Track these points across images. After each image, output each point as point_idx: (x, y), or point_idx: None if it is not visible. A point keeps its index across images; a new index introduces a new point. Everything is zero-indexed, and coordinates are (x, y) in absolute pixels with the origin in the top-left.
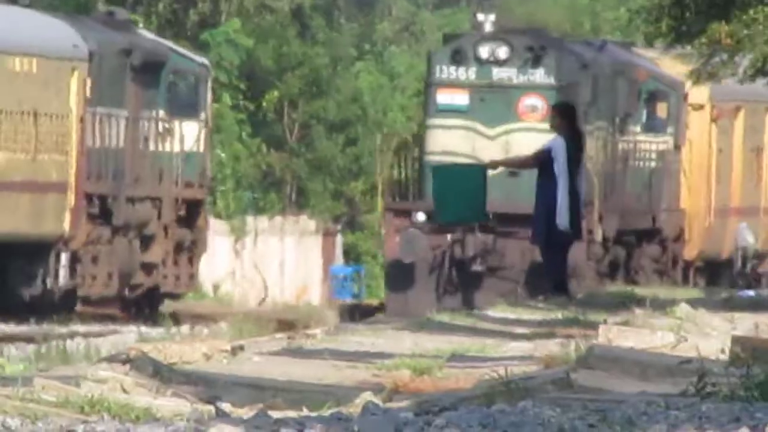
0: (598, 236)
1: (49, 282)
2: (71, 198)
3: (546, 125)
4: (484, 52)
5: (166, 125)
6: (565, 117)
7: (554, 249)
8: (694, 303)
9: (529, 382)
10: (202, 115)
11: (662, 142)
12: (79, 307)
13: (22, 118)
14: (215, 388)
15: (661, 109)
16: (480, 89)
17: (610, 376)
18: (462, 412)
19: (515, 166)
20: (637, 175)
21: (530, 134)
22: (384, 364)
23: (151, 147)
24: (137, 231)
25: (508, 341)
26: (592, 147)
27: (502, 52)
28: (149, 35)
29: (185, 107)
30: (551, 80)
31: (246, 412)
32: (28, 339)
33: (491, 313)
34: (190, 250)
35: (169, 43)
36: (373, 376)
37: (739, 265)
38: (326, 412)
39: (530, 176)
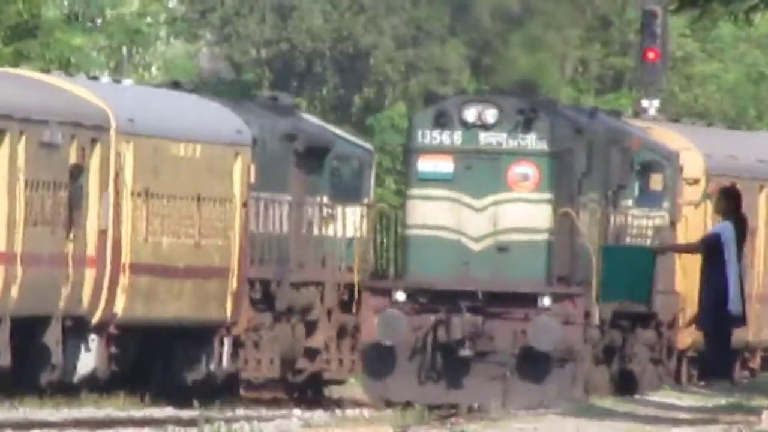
0: (596, 319)
1: (212, 366)
2: (234, 283)
3: (538, 195)
4: (470, 115)
5: (330, 210)
6: (731, 199)
7: (721, 335)
8: None
9: None
10: (365, 200)
11: (657, 217)
12: (242, 392)
13: (186, 204)
14: None
15: (656, 182)
16: (466, 156)
17: None
18: None
19: (682, 251)
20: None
21: (521, 206)
22: None
23: (315, 232)
24: (300, 316)
25: (670, 427)
26: (586, 222)
27: (490, 115)
28: (313, 120)
29: (348, 192)
30: (544, 146)
31: None
32: (191, 422)
33: (653, 398)
34: (352, 335)
35: (334, 128)
36: None
37: None
38: None
39: (520, 253)
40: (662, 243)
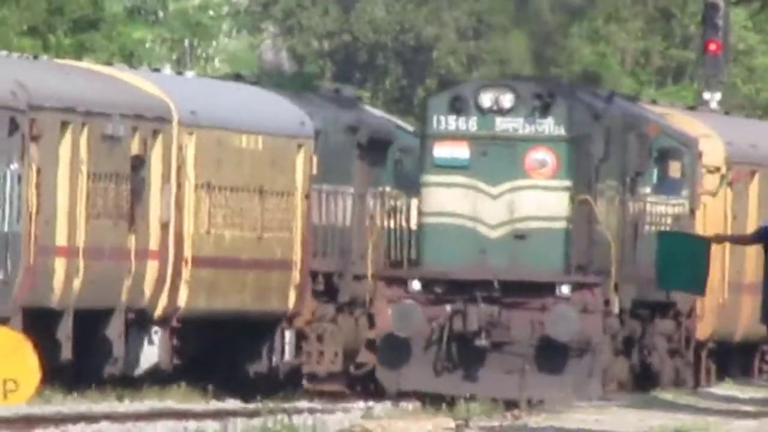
0: (615, 308)
1: (274, 359)
2: (296, 276)
3: (556, 182)
4: (486, 100)
5: (393, 202)
6: None
7: None
8: None
9: None
10: None
11: (676, 204)
12: (304, 384)
13: (248, 196)
14: None
15: (674, 169)
16: (482, 142)
17: None
18: None
19: (737, 242)
20: (651, 242)
21: (539, 193)
22: None
23: (378, 224)
24: (362, 308)
25: (733, 419)
26: (603, 209)
27: (507, 99)
28: (376, 112)
29: (412, 184)
30: (562, 131)
31: None
32: (253, 414)
33: (716, 390)
34: None
35: (396, 120)
36: None
37: None
38: None
39: (537, 241)
40: (720, 234)
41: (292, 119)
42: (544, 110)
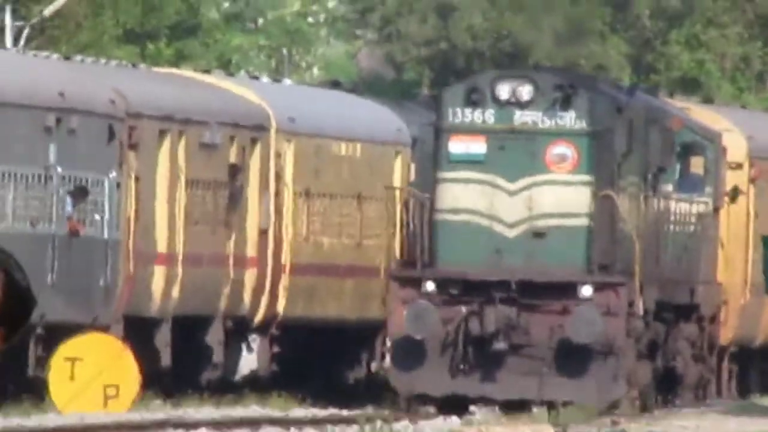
0: (640, 310)
1: (373, 365)
2: None
3: (577, 177)
4: (504, 91)
5: None
6: None
7: None
8: None
9: None
10: None
11: (700, 203)
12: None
13: (346, 203)
14: None
15: (697, 165)
16: (499, 135)
17: None
18: None
19: None
20: (674, 241)
21: (559, 188)
22: None
23: None
24: None
25: None
26: (626, 206)
27: (526, 91)
28: None
29: None
30: (584, 125)
31: None
32: (352, 422)
33: None
34: None
35: None
36: None
37: None
38: None
39: (557, 239)
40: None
41: (390, 126)
42: (565, 103)
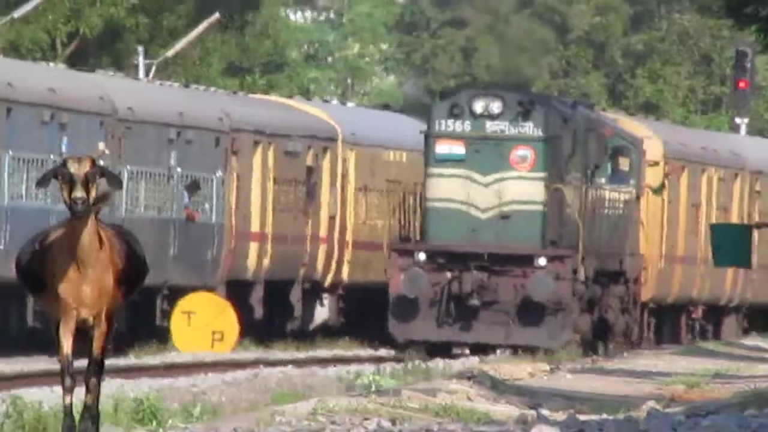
0: (581, 276)
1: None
2: None
3: (535, 174)
4: (478, 106)
5: None
6: None
7: None
8: None
9: None
10: None
11: (626, 192)
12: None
13: (394, 196)
14: (537, 398)
15: (624, 163)
16: (475, 141)
17: None
18: (722, 416)
19: None
20: (607, 222)
21: (521, 182)
22: (664, 380)
23: None
24: None
25: (758, 364)
26: (571, 196)
27: (495, 106)
28: None
29: None
30: (540, 132)
31: (560, 416)
32: (398, 360)
33: (746, 342)
34: None
35: None
36: (656, 389)
37: None
38: (620, 416)
39: (519, 221)
40: (761, 221)
41: None
42: (526, 115)
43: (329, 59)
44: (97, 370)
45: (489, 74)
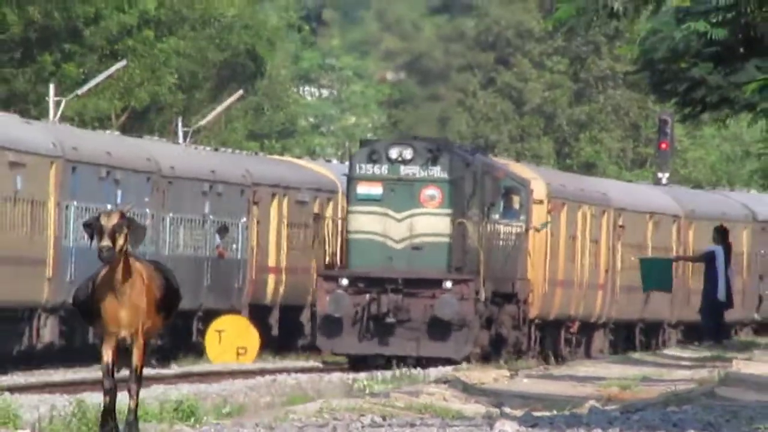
0: (482, 297)
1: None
2: None
3: (441, 210)
4: (393, 153)
5: None
6: (722, 232)
7: (713, 313)
8: None
9: (689, 394)
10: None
11: (516, 226)
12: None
13: None
14: (500, 398)
15: (515, 201)
16: (390, 182)
17: (739, 391)
18: (648, 412)
19: (690, 260)
20: (501, 252)
21: (430, 217)
22: (602, 383)
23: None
24: None
25: (677, 370)
26: (472, 229)
27: (408, 153)
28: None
29: None
30: (446, 175)
31: (518, 413)
32: (388, 367)
33: (668, 352)
34: None
35: None
36: (596, 390)
37: None
38: (567, 412)
39: (428, 250)
40: (678, 255)
41: None
42: (434, 161)
43: (331, 128)
44: (137, 378)
45: (460, 139)
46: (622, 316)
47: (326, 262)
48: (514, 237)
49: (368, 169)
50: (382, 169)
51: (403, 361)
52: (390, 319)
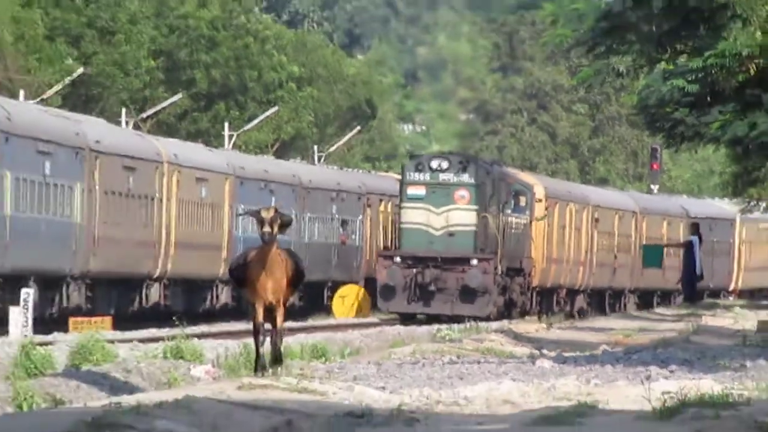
0: (499, 271)
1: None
2: None
3: (470, 207)
4: (434, 164)
5: None
6: (695, 228)
7: (691, 284)
8: (743, 307)
9: (671, 340)
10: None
11: (523, 219)
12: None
13: None
14: (540, 343)
15: (522, 200)
16: (432, 186)
17: (707, 337)
18: (644, 353)
19: (675, 246)
20: (513, 238)
21: (461, 212)
22: (611, 332)
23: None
24: None
25: (662, 323)
26: (492, 221)
27: (444, 164)
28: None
29: None
30: (473, 180)
31: (553, 354)
32: (429, 322)
33: (658, 310)
34: None
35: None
36: (607, 337)
37: None
38: (587, 353)
39: (460, 237)
40: (668, 243)
41: None
42: (464, 169)
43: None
44: (279, 333)
45: (512, 160)
46: (597, 284)
47: (384, 245)
48: (522, 226)
49: (415, 176)
50: (426, 176)
51: (439, 318)
52: (431, 288)
